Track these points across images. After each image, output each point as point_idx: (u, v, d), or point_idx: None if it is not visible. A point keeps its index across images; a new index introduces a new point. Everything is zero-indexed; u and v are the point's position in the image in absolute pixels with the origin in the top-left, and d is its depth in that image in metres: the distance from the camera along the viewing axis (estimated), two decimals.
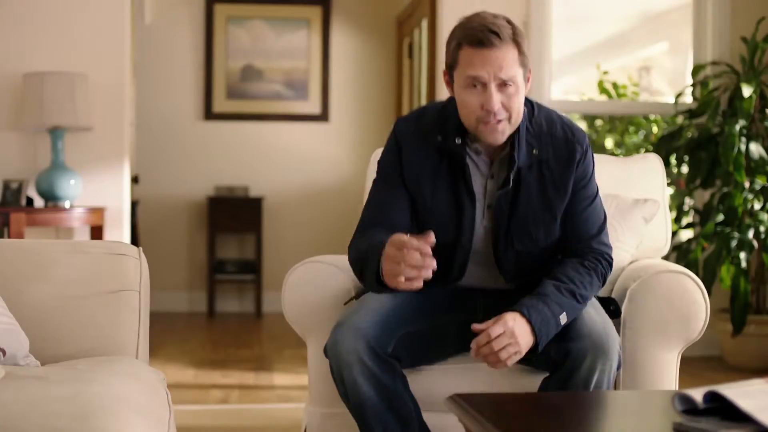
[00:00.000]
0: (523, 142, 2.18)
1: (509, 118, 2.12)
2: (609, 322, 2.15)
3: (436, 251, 2.02)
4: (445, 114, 2.24)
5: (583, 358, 2.03)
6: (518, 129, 2.17)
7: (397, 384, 2.13)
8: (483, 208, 2.24)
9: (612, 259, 2.28)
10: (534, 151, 2.19)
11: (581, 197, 2.24)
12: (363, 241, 2.17)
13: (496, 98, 2.08)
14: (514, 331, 2.03)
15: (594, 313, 2.16)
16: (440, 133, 2.22)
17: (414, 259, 1.94)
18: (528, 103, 2.24)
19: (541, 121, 2.23)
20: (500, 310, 2.10)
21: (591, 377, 2.03)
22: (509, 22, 2.12)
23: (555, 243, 2.25)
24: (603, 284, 2.25)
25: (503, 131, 2.13)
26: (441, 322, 2.27)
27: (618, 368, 2.11)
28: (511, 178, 2.17)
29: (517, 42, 2.09)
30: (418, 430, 2.16)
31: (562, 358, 2.07)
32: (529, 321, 2.05)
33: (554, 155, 2.20)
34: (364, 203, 2.58)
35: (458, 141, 2.19)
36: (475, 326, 2.07)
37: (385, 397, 2.10)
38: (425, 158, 2.23)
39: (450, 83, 2.19)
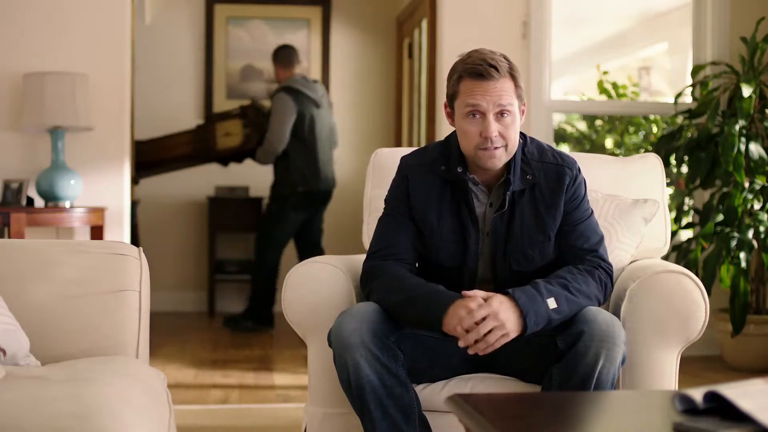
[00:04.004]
0: (518, 168, 2.32)
1: (506, 146, 2.26)
2: (616, 318, 2.18)
3: (445, 275, 2.28)
4: (447, 147, 2.39)
5: (589, 344, 2.07)
6: (514, 157, 2.31)
7: (399, 370, 2.16)
8: (483, 235, 2.34)
9: (612, 271, 2.32)
10: (528, 177, 2.32)
11: (575, 217, 2.34)
12: (386, 275, 2.27)
13: (494, 126, 2.23)
14: (499, 314, 2.10)
15: (599, 309, 2.21)
16: (443, 164, 2.36)
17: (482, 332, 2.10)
18: (521, 135, 2.37)
19: (533, 150, 2.37)
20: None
21: (596, 364, 2.06)
22: (506, 58, 2.28)
23: (550, 264, 2.33)
24: (605, 292, 2.28)
25: (500, 157, 2.27)
26: (444, 338, 2.26)
27: (623, 363, 2.13)
28: (507, 200, 2.29)
29: (513, 76, 2.26)
30: (418, 421, 2.17)
31: (568, 347, 2.11)
32: (516, 302, 2.12)
33: (545, 179, 2.33)
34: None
35: (459, 170, 2.32)
36: (465, 292, 2.16)
37: (387, 383, 2.13)
38: (430, 186, 2.36)
39: (450, 115, 2.34)
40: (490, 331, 2.10)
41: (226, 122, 5.99)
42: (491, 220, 2.32)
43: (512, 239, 2.30)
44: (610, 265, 2.34)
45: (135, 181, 5.81)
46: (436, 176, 2.35)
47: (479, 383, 2.30)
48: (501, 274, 2.32)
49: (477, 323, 2.10)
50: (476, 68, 2.22)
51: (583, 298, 2.20)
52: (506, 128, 2.24)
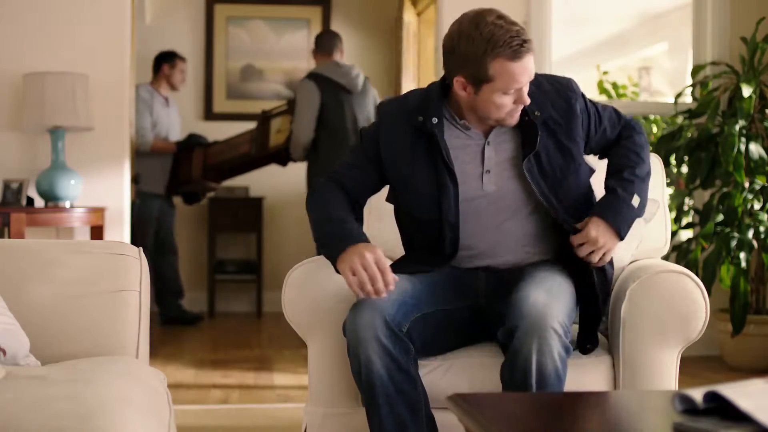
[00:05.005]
0: (527, 111, 2.30)
1: None
2: (553, 304, 2.14)
3: (425, 228, 2.31)
4: (427, 97, 2.35)
5: (523, 339, 2.09)
6: None
7: (409, 365, 2.18)
8: (481, 174, 2.32)
9: (639, 125, 2.46)
10: (536, 113, 2.30)
11: (594, 122, 2.40)
12: (323, 201, 2.32)
13: (527, 95, 2.25)
14: (597, 238, 2.26)
15: (539, 294, 2.16)
16: (421, 114, 2.31)
17: (378, 288, 2.13)
18: None
19: (530, 87, 2.30)
20: (499, 294, 2.25)
21: (530, 359, 2.07)
22: (514, 21, 2.24)
23: (586, 191, 2.40)
24: (645, 138, 2.43)
25: (520, 111, 2.30)
26: (448, 309, 2.33)
27: (567, 353, 2.11)
28: (538, 142, 2.29)
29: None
30: (425, 419, 2.19)
31: (506, 344, 2.15)
32: (606, 220, 2.27)
33: (554, 108, 2.33)
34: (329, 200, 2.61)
35: (435, 121, 2.29)
36: (573, 238, 2.29)
37: (396, 378, 2.15)
38: (404, 137, 2.32)
39: (465, 87, 2.26)
40: (590, 253, 2.26)
41: (278, 118, 5.75)
42: (510, 159, 2.33)
43: (545, 177, 2.31)
44: (636, 122, 2.46)
45: (135, 180, 5.81)
46: (411, 126, 2.32)
47: (478, 371, 2.30)
48: (556, 208, 2.31)
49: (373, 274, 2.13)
50: (515, 50, 2.17)
51: (647, 173, 2.37)
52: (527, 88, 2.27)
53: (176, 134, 6.22)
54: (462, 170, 2.31)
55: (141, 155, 5.73)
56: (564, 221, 2.32)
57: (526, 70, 2.20)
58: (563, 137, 2.32)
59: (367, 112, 5.26)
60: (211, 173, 6.13)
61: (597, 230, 2.27)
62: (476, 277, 2.38)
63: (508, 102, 2.24)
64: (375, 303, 2.16)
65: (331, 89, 5.12)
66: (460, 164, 2.32)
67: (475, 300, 2.37)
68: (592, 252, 2.27)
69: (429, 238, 2.33)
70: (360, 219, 2.36)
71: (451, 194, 2.29)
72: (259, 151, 5.84)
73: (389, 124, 2.35)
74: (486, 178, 2.32)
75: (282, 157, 5.78)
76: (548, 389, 2.08)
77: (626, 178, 2.34)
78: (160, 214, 6.06)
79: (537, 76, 2.32)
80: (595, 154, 2.50)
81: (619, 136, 2.44)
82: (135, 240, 5.80)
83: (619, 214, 2.29)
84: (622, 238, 2.30)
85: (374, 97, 5.37)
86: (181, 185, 6.15)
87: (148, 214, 5.93)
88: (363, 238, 2.22)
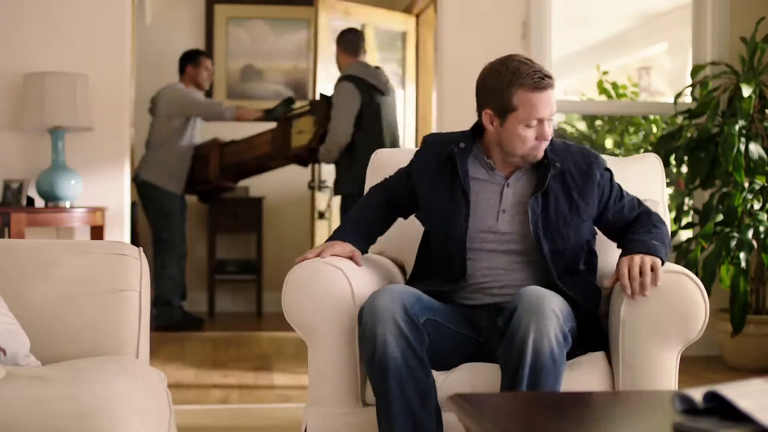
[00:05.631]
0: (548, 157, 2.46)
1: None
2: (551, 296, 2.23)
3: (438, 244, 2.49)
4: (464, 133, 2.55)
5: (521, 318, 2.16)
6: None
7: (423, 354, 2.22)
8: (497, 212, 2.46)
9: (660, 216, 2.52)
10: (557, 164, 2.45)
11: (613, 199, 2.50)
12: (363, 202, 2.65)
13: (550, 129, 2.41)
14: (631, 267, 2.27)
15: (539, 288, 2.27)
16: (454, 143, 2.51)
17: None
18: None
19: (558, 142, 2.52)
20: (497, 332, 2.27)
21: (528, 337, 2.13)
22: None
23: (585, 245, 2.48)
24: (666, 228, 2.47)
25: (543, 149, 2.45)
26: (457, 330, 2.41)
27: (565, 340, 2.18)
28: (548, 180, 2.42)
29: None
30: (434, 407, 2.22)
31: (506, 325, 2.21)
32: (634, 252, 2.32)
33: (575, 166, 2.47)
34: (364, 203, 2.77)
35: (462, 146, 2.48)
36: (606, 281, 2.37)
37: (411, 364, 2.19)
38: (434, 159, 2.53)
39: (492, 121, 2.43)
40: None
41: (300, 119, 5.72)
42: (525, 203, 2.44)
43: (547, 219, 2.42)
44: (657, 214, 2.52)
45: (136, 180, 5.82)
46: (444, 154, 2.51)
47: (478, 371, 2.31)
48: (547, 251, 2.41)
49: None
50: (537, 82, 2.36)
51: (669, 243, 2.42)
52: (549, 126, 2.41)
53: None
54: (479, 202, 2.47)
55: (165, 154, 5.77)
56: (547, 271, 2.40)
57: (547, 102, 2.37)
58: (575, 193, 2.45)
59: (394, 113, 5.26)
60: (228, 173, 6.13)
61: (629, 263, 2.29)
62: (480, 317, 2.44)
63: (531, 136, 2.39)
64: (395, 291, 2.26)
65: (367, 90, 5.09)
66: (479, 197, 2.47)
67: (478, 336, 2.43)
68: (641, 283, 2.27)
69: (443, 252, 2.48)
70: (388, 222, 2.63)
71: (462, 213, 2.44)
72: (280, 151, 5.84)
73: (427, 150, 2.57)
74: (501, 217, 2.46)
75: (303, 158, 5.78)
76: (543, 371, 2.12)
77: (649, 230, 2.42)
78: (181, 212, 6.03)
79: (568, 141, 2.56)
80: (607, 229, 2.55)
81: (638, 217, 2.51)
82: (160, 235, 5.82)
83: (644, 245, 2.34)
84: (661, 259, 2.31)
85: (395, 96, 5.36)
86: (198, 184, 6.16)
87: (174, 210, 5.91)
88: (347, 239, 2.48)
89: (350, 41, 5.29)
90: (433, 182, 2.50)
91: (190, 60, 6.05)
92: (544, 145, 2.42)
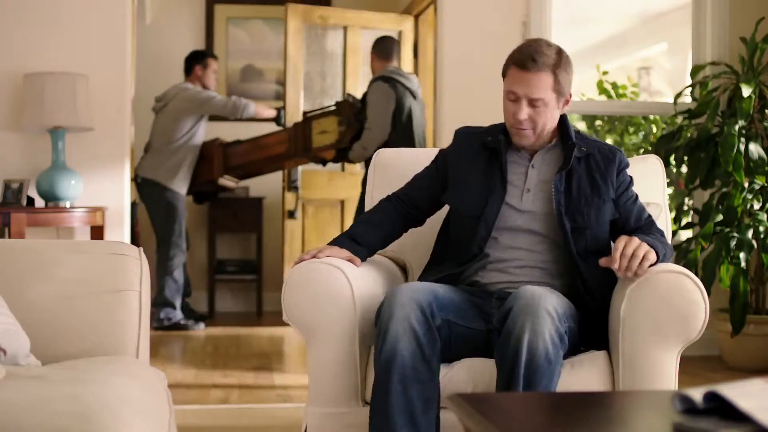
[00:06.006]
0: (574, 140, 2.52)
1: (534, 129, 2.48)
2: (547, 296, 2.23)
3: (465, 224, 2.51)
4: (496, 125, 2.64)
5: (516, 319, 2.17)
6: (569, 131, 2.54)
7: (433, 357, 2.22)
8: (521, 192, 2.52)
9: (664, 233, 2.54)
10: (582, 149, 2.52)
11: (627, 196, 2.55)
12: (374, 209, 2.66)
13: (525, 112, 2.45)
14: (627, 246, 2.29)
15: (535, 287, 2.29)
16: (491, 136, 2.59)
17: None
18: (563, 119, 2.58)
19: (584, 135, 2.60)
20: (506, 313, 2.26)
21: (522, 337, 2.13)
22: (559, 52, 2.47)
23: (606, 229, 2.51)
24: (670, 246, 2.47)
25: (527, 137, 2.50)
26: (469, 326, 2.40)
27: (561, 341, 2.17)
28: (572, 160, 2.48)
29: (555, 72, 2.43)
30: (435, 415, 2.21)
31: (502, 325, 2.23)
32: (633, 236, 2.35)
33: (599, 153, 2.55)
34: (366, 202, 2.86)
35: (501, 137, 2.55)
36: (603, 260, 2.36)
37: (418, 366, 2.19)
38: (470, 148, 2.59)
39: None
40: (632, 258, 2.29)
41: (322, 119, 5.78)
42: (549, 182, 2.50)
43: (570, 198, 2.47)
44: (662, 231, 2.54)
45: (136, 180, 5.82)
46: (480, 142, 2.59)
47: (479, 371, 2.32)
48: (569, 231, 2.45)
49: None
50: (521, 58, 2.43)
51: (669, 253, 2.43)
52: (537, 114, 2.45)
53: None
54: (509, 183, 2.53)
55: (170, 156, 5.78)
56: (568, 251, 2.43)
57: (525, 82, 2.42)
58: (598, 176, 2.51)
59: (422, 119, 5.35)
60: (233, 173, 6.12)
61: (627, 242, 2.31)
62: (490, 304, 2.44)
63: (509, 110, 2.47)
64: (413, 290, 2.27)
65: (401, 91, 5.21)
66: (509, 178, 2.54)
67: (489, 324, 2.41)
68: (629, 264, 2.29)
69: (464, 233, 2.51)
70: (402, 227, 2.65)
71: (498, 199, 2.50)
72: (301, 151, 5.86)
73: (461, 141, 2.64)
74: (525, 196, 2.52)
75: (323, 157, 5.85)
76: (538, 372, 2.11)
77: (653, 234, 2.46)
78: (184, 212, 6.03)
79: (595, 138, 2.63)
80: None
81: (642, 226, 2.53)
82: (165, 235, 5.82)
83: (645, 239, 2.36)
84: (657, 256, 2.33)
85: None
86: (200, 185, 6.16)
87: (181, 210, 5.91)
88: (346, 245, 2.48)
89: (384, 47, 5.46)
90: (470, 164, 2.57)
91: (197, 60, 6.05)
92: (524, 131, 2.47)
